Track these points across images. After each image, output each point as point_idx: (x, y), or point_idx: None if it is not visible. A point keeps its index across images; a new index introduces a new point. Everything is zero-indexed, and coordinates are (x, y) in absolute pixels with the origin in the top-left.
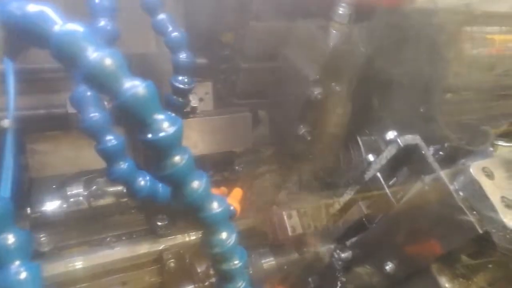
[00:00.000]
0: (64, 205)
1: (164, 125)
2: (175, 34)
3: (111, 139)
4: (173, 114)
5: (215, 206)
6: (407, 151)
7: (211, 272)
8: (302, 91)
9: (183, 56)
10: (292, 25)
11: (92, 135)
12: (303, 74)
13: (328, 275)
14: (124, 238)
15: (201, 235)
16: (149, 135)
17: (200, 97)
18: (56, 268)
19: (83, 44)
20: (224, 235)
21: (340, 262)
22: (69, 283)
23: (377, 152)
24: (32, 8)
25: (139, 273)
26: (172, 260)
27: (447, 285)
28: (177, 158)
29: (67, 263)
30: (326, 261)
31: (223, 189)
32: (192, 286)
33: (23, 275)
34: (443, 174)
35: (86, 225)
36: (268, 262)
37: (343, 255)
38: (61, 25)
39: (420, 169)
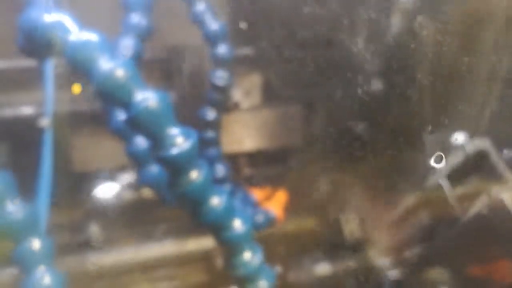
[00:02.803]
0: (114, 197)
1: (178, 140)
2: (213, 25)
3: (141, 141)
4: (188, 128)
5: (238, 225)
6: (476, 157)
7: None
8: (360, 83)
9: (222, 49)
10: (350, 9)
11: (121, 136)
12: (362, 64)
13: None
14: (172, 232)
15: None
16: (163, 151)
17: (246, 90)
18: (104, 259)
19: (95, 54)
20: (247, 255)
21: (388, 282)
22: (115, 275)
23: (443, 155)
24: (49, 17)
25: (187, 268)
26: (218, 258)
27: None
28: (193, 175)
29: (115, 255)
30: (376, 275)
31: (267, 190)
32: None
33: (47, 280)
34: None
35: (135, 218)
36: (322, 267)
37: (390, 274)
38: (76, 34)
39: (491, 178)
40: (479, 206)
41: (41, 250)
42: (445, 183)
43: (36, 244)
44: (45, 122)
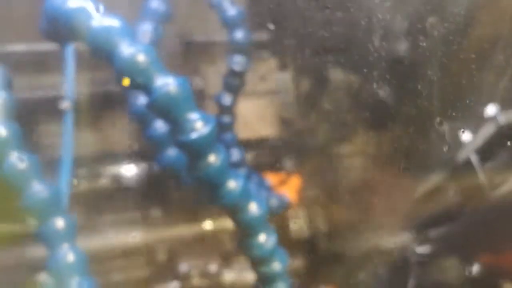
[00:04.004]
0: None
1: (198, 124)
2: (231, 11)
3: (159, 126)
4: (207, 113)
5: (254, 208)
6: (509, 130)
7: (193, 272)
8: (385, 46)
9: (239, 35)
10: None
11: (140, 120)
12: (387, 26)
13: (399, 269)
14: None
15: (237, 235)
16: (182, 135)
17: (262, 74)
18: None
19: (117, 39)
20: (262, 237)
21: (415, 257)
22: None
23: (473, 130)
24: (73, 3)
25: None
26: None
27: None
28: (212, 158)
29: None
30: (399, 253)
31: (282, 175)
32: (177, 282)
33: (71, 258)
34: None
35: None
36: None
37: (419, 250)
38: (98, 20)
39: None
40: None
41: (64, 229)
42: (474, 158)
43: (60, 222)
44: (65, 104)
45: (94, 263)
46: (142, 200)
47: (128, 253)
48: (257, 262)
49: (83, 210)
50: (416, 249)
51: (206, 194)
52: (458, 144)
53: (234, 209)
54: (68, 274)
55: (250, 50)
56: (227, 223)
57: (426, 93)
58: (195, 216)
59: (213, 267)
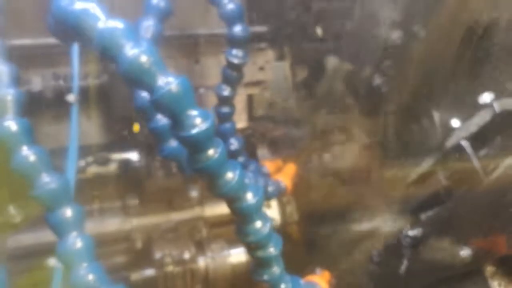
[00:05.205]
0: None
1: (197, 121)
2: (230, 6)
3: (161, 118)
4: (205, 110)
5: (250, 197)
6: (504, 118)
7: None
8: (378, 34)
9: (238, 29)
10: None
11: (144, 114)
12: (380, 15)
13: (393, 251)
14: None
15: (235, 223)
16: (183, 131)
17: (261, 66)
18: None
19: (121, 41)
20: (258, 224)
21: (408, 239)
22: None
23: (466, 117)
24: (79, 5)
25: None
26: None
27: None
28: (210, 152)
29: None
30: (393, 235)
31: (278, 162)
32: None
33: (79, 245)
34: None
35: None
36: None
37: (411, 233)
38: (104, 21)
39: None
40: (504, 167)
41: (72, 217)
42: (466, 145)
43: (68, 212)
44: (71, 97)
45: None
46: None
47: None
48: (254, 247)
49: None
50: (409, 232)
51: (206, 184)
52: (450, 130)
53: (231, 199)
54: (76, 260)
55: (247, 44)
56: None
57: (418, 77)
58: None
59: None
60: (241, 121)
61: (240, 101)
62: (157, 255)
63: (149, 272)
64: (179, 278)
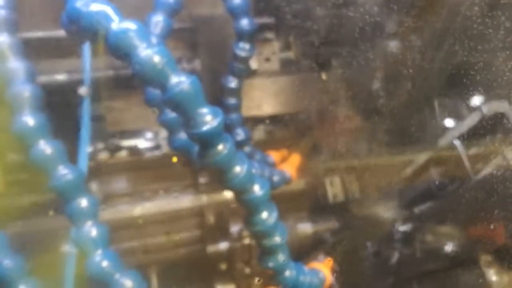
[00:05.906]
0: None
1: (207, 118)
2: (236, 0)
3: (171, 111)
4: (215, 107)
5: (257, 189)
6: (493, 120)
7: (245, 233)
8: (377, 43)
9: (244, 22)
10: None
11: (155, 106)
12: (379, 24)
13: (385, 243)
14: (170, 191)
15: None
16: (194, 129)
17: (266, 57)
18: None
19: (135, 42)
20: (265, 214)
21: (398, 234)
22: (116, 229)
23: (458, 118)
24: (94, 7)
25: (181, 224)
26: (211, 216)
27: (494, 278)
28: (220, 147)
29: (113, 212)
30: (386, 228)
31: (283, 152)
32: (227, 243)
33: (94, 233)
34: None
35: (136, 176)
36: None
37: (401, 228)
38: (117, 23)
39: (507, 141)
40: (491, 167)
41: (88, 207)
42: (458, 143)
43: (84, 202)
44: (83, 90)
45: None
46: None
47: None
48: (260, 236)
49: None
50: (402, 224)
51: (216, 177)
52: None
53: (239, 191)
54: (92, 247)
55: (254, 37)
56: None
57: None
58: None
59: None
60: None
61: None
62: (234, 228)
63: (225, 244)
64: (255, 250)
